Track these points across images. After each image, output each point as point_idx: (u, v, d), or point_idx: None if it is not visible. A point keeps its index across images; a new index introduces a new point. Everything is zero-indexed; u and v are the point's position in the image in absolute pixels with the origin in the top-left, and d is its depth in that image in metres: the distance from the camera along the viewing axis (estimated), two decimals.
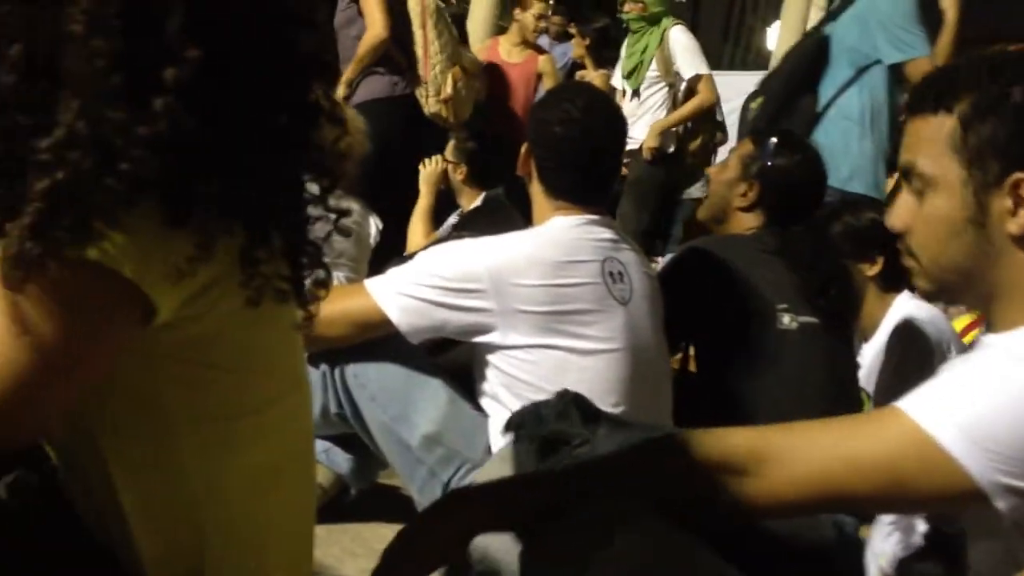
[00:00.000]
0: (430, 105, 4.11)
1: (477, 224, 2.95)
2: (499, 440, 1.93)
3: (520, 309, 1.88)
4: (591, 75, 5.59)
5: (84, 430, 0.98)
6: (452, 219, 4.46)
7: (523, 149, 2.12)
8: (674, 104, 5.17)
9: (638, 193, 5.19)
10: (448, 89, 4.08)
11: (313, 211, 1.06)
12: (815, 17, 14.93)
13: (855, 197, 3.62)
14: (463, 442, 1.96)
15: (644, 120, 5.08)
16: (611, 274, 1.97)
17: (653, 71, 5.09)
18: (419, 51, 4.03)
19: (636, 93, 5.15)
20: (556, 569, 1.03)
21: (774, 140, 2.48)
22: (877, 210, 2.82)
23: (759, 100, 4.34)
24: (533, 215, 2.11)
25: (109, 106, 0.85)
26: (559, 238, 1.97)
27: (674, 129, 5.14)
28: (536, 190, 2.09)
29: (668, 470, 1.12)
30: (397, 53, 3.97)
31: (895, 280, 2.82)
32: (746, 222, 2.44)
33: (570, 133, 2.03)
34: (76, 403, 0.95)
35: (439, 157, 3.76)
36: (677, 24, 5.17)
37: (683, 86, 5.17)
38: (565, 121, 2.04)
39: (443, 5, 4.11)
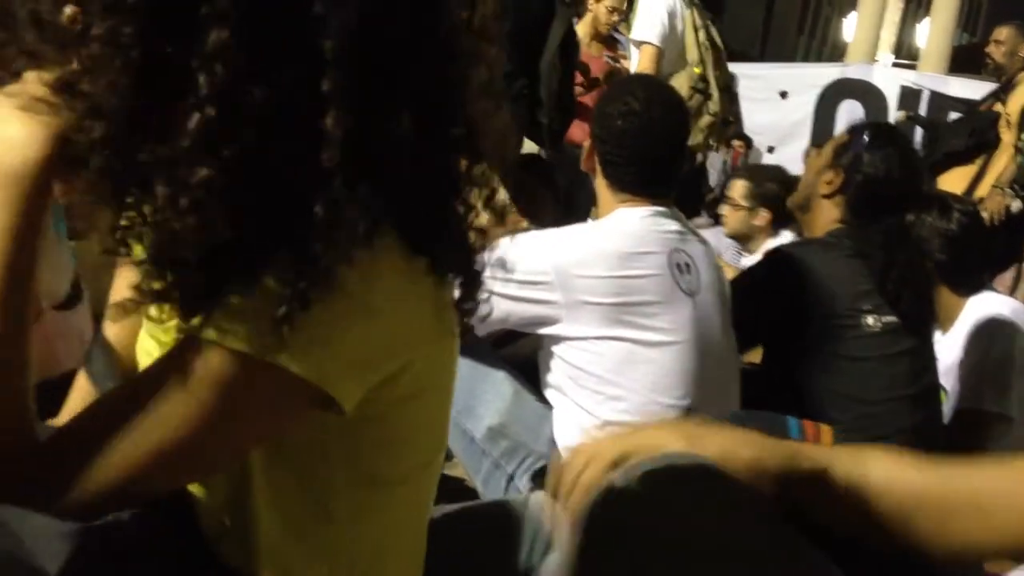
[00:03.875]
0: None
1: None
2: (564, 432, 1.93)
3: (586, 301, 1.86)
4: None
5: (239, 471, 0.95)
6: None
7: (586, 144, 2.11)
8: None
9: None
10: None
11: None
12: (893, 7, 14.66)
13: None
14: (528, 434, 1.96)
15: None
16: (678, 265, 1.95)
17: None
18: None
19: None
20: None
21: (868, 131, 2.45)
22: (969, 215, 2.75)
23: None
24: (598, 209, 2.10)
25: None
26: (625, 229, 1.96)
27: None
28: (601, 184, 2.07)
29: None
30: None
31: (968, 281, 2.75)
32: (827, 210, 2.40)
33: (631, 126, 2.02)
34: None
35: None
36: None
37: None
38: (626, 114, 2.02)
39: None
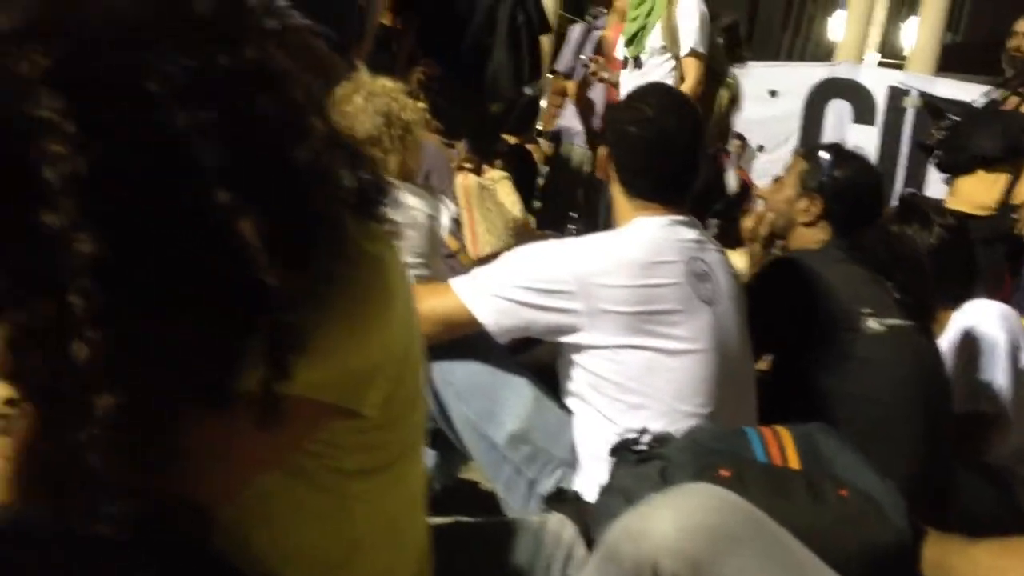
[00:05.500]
0: None
1: None
2: (584, 439, 1.96)
3: (607, 310, 1.89)
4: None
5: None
6: None
7: (601, 152, 2.14)
8: (681, 79, 4.49)
9: None
10: None
11: None
12: (880, 6, 14.73)
13: None
14: (549, 440, 1.98)
15: None
16: (696, 274, 1.98)
17: (658, 39, 4.45)
18: (466, 233, 3.97)
19: (637, 63, 4.48)
20: None
21: (829, 153, 2.54)
22: (950, 228, 2.78)
23: None
24: (615, 217, 2.12)
25: None
26: (644, 238, 1.98)
27: None
28: (616, 192, 2.10)
29: None
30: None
31: (952, 294, 2.78)
32: (812, 236, 2.49)
33: (644, 133, 2.05)
34: None
35: None
36: None
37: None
38: (639, 121, 2.05)
39: (487, 185, 3.99)
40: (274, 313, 0.80)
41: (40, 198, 0.70)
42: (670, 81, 4.33)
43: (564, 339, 1.94)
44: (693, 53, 4.35)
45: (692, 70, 4.34)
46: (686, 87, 4.29)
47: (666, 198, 2.06)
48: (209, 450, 0.87)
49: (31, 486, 0.84)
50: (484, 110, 4.46)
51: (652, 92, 2.19)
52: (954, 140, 4.74)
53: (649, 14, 4.38)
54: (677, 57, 4.37)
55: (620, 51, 4.66)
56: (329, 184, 0.86)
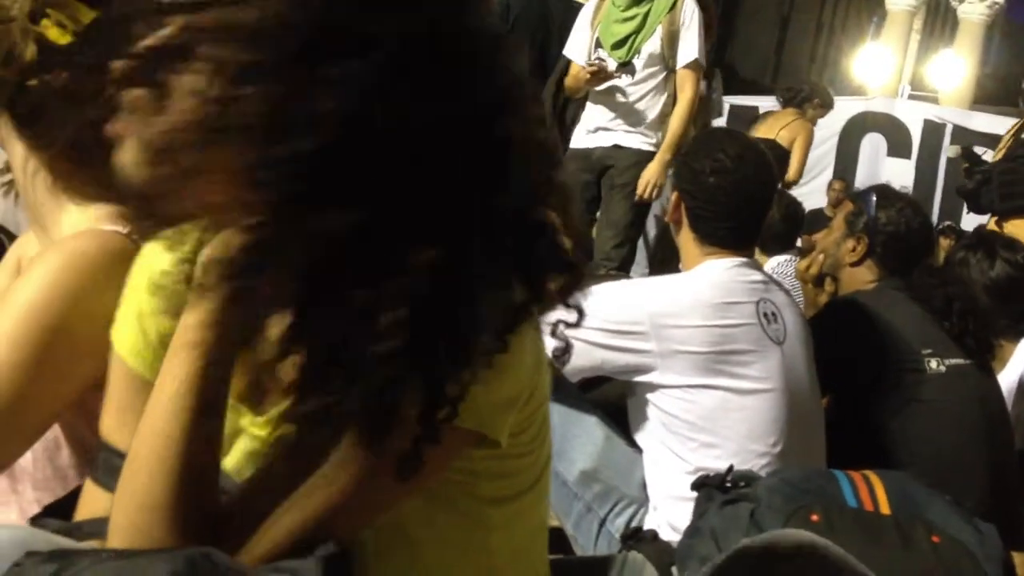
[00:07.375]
0: None
1: None
2: (655, 477, 1.98)
3: (680, 350, 1.92)
4: None
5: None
6: None
7: (673, 197, 2.16)
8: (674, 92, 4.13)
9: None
10: None
11: None
12: (915, 39, 14.75)
13: None
14: (619, 478, 2.01)
15: (645, 104, 4.11)
16: (766, 315, 2.00)
17: (655, 46, 4.06)
18: None
19: (627, 68, 4.07)
20: None
21: (874, 194, 2.59)
22: (1013, 264, 2.78)
23: None
24: (682, 260, 2.15)
25: None
26: (716, 280, 2.01)
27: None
28: (686, 237, 2.12)
29: None
30: None
31: (1014, 327, 2.79)
32: (860, 276, 2.53)
33: (723, 183, 2.07)
34: None
35: None
36: None
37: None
38: (718, 171, 2.07)
39: None
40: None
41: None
42: (665, 92, 4.11)
43: (637, 379, 1.97)
44: (696, 64, 4.06)
45: (692, 82, 4.05)
46: (685, 99, 4.04)
47: (738, 244, 2.09)
48: (357, 477, 0.91)
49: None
50: None
51: (728, 140, 2.17)
52: (1013, 185, 4.33)
53: (647, 17, 4.04)
54: (672, 68, 4.08)
55: (577, 54, 4.20)
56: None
